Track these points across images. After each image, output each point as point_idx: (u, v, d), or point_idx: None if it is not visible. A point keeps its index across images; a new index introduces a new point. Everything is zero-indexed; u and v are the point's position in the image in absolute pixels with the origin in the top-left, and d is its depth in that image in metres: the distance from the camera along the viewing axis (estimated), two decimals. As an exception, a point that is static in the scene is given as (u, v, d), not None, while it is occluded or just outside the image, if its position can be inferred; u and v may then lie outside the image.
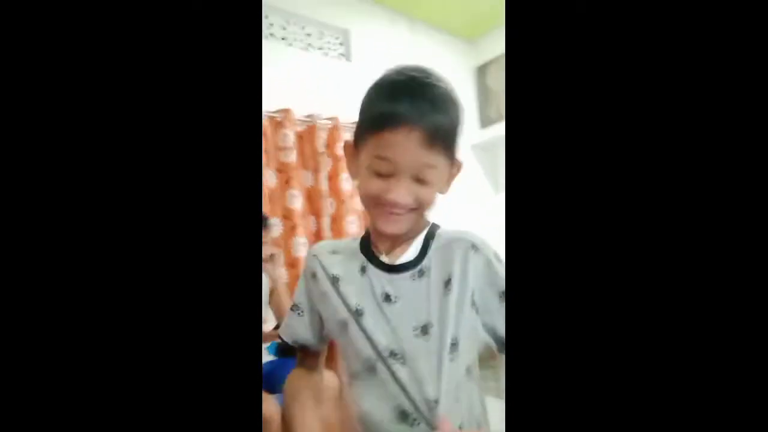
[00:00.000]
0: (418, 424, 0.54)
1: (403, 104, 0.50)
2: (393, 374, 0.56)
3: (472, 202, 3.12)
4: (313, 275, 0.65)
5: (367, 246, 0.63)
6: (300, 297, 0.68)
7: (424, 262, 0.59)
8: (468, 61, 3.45)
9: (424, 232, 0.61)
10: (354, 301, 0.59)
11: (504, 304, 0.56)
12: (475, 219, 3.07)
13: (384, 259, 0.60)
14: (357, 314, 0.59)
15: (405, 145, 0.50)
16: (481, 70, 3.41)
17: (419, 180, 0.52)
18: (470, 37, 3.44)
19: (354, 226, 2.42)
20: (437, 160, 0.52)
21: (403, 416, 0.55)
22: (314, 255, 0.67)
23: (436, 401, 0.54)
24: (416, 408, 0.55)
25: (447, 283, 0.57)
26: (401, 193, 0.52)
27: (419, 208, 0.55)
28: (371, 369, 0.58)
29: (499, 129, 3.17)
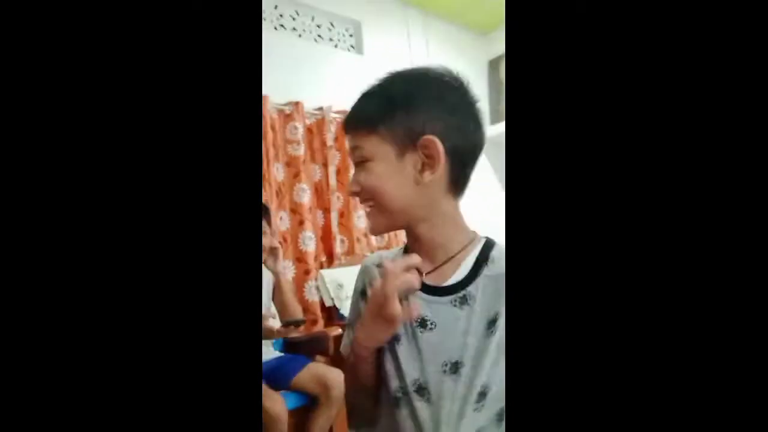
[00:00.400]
0: None
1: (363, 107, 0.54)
2: (414, 412, 0.51)
3: (479, 198, 3.09)
4: (363, 292, 0.61)
5: None
6: (351, 316, 0.64)
7: (470, 288, 0.52)
8: (480, 56, 3.40)
9: (476, 251, 0.55)
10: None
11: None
12: (482, 216, 3.04)
13: (424, 279, 0.52)
14: (394, 339, 0.53)
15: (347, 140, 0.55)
16: (494, 65, 3.36)
17: (358, 165, 0.53)
18: (483, 30, 3.39)
19: (362, 221, 2.41)
20: (358, 140, 0.52)
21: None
22: (363, 269, 0.63)
23: None
24: None
25: (492, 321, 0.50)
26: (350, 181, 0.54)
27: (374, 200, 0.52)
28: (396, 403, 0.53)
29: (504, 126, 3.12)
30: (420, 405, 0.51)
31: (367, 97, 0.53)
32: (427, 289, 0.53)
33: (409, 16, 2.93)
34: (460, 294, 0.52)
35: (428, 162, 0.50)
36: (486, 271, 0.53)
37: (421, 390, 0.51)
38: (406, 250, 0.59)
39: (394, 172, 0.51)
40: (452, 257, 0.54)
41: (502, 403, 0.50)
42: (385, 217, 0.52)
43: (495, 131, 3.22)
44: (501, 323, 0.50)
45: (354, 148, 0.52)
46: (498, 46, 3.35)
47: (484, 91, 3.37)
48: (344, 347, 0.63)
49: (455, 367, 0.50)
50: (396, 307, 0.46)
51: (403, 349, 0.53)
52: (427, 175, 0.50)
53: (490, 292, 0.51)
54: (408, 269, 0.47)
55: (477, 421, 0.49)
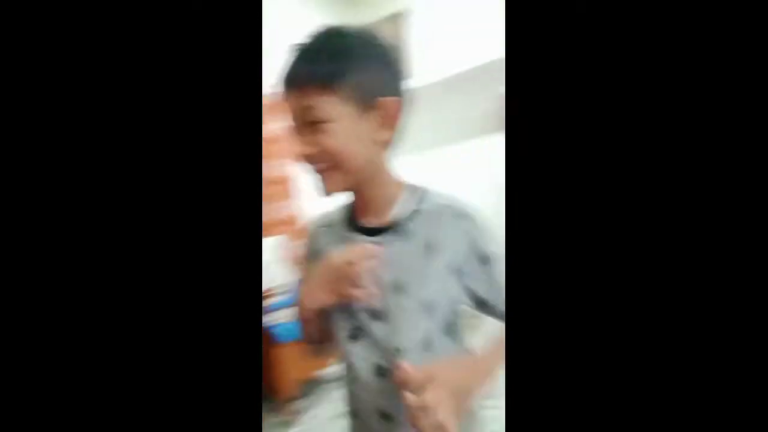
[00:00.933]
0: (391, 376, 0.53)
1: (286, 63, 0.52)
2: (372, 333, 0.56)
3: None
4: (312, 255, 0.65)
5: (350, 214, 0.62)
6: (301, 280, 0.67)
7: (408, 224, 0.56)
8: (344, 22, 3.39)
9: (405, 194, 0.58)
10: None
11: (486, 268, 0.56)
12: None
13: (364, 222, 0.59)
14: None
15: (287, 99, 0.51)
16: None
17: (311, 126, 0.50)
18: (346, -4, 3.39)
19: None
20: (312, 99, 0.49)
21: (380, 371, 0.55)
22: (311, 233, 0.66)
23: (398, 350, 0.54)
24: (389, 362, 0.55)
25: (429, 246, 0.55)
26: (298, 143, 0.52)
27: (334, 161, 0.51)
28: (356, 333, 0.58)
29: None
30: (377, 325, 0.56)
31: (311, 53, 0.50)
32: (369, 231, 0.58)
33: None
34: (398, 230, 0.57)
35: (386, 121, 0.52)
36: (422, 207, 0.57)
37: (376, 315, 0.56)
38: (347, 208, 0.63)
39: (355, 132, 0.50)
40: (388, 204, 0.58)
41: (450, 317, 0.56)
42: (343, 177, 0.52)
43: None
44: (437, 246, 0.54)
45: (306, 108, 0.49)
46: (361, 15, 3.39)
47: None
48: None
49: (402, 287, 0.55)
50: (356, 291, 0.53)
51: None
52: (386, 134, 0.53)
53: (426, 224, 0.56)
54: (371, 256, 0.52)
55: (427, 329, 0.55)
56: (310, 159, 0.52)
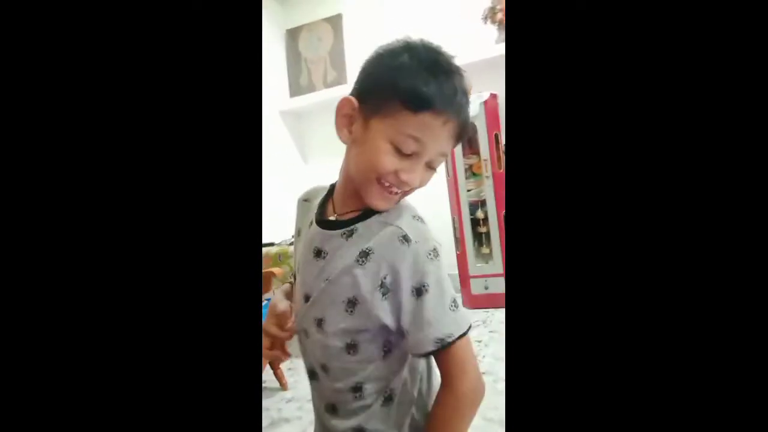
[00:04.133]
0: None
1: (443, 90, 0.51)
2: (306, 331, 0.61)
3: (280, 170, 3.05)
4: (298, 232, 0.69)
5: (327, 199, 0.64)
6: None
7: (358, 226, 0.57)
8: (278, 23, 3.28)
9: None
10: (299, 258, 0.63)
11: (416, 300, 0.53)
12: (283, 187, 3.03)
13: (332, 217, 0.61)
14: (298, 271, 0.62)
15: (439, 134, 0.51)
16: (292, 34, 3.30)
17: (430, 166, 0.55)
18: (281, -4, 3.28)
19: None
20: (450, 151, 0.56)
21: (311, 374, 0.63)
22: (297, 204, 0.71)
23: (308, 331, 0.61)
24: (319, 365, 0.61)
25: (363, 253, 0.55)
26: (416, 176, 0.53)
27: (409, 192, 0.57)
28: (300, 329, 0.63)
29: (309, 98, 3.16)
30: (312, 311, 0.60)
31: (465, 106, 0.54)
32: (326, 225, 0.61)
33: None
34: (349, 229, 0.58)
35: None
36: (377, 218, 0.58)
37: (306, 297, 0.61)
38: (328, 194, 0.66)
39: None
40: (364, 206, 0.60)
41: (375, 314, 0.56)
42: (395, 202, 0.58)
43: (294, 104, 3.20)
44: (370, 256, 0.55)
45: (444, 155, 0.55)
46: (297, 15, 3.29)
47: (282, 62, 3.29)
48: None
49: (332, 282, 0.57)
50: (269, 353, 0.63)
51: (302, 277, 0.62)
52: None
53: (370, 231, 0.56)
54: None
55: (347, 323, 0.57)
56: (404, 185, 0.54)
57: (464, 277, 2.63)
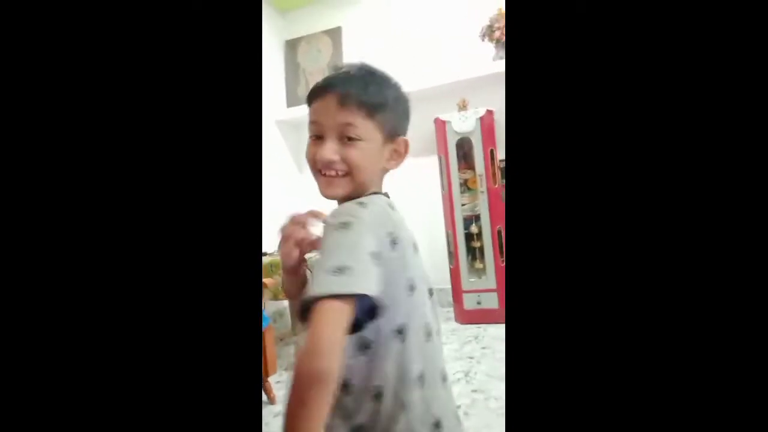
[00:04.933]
0: None
1: (330, 80, 0.60)
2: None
3: (275, 178, 3.04)
4: None
5: None
6: None
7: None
8: (278, 33, 3.31)
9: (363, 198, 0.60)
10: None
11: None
12: (279, 195, 3.01)
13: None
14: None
15: (325, 108, 0.59)
16: (291, 45, 3.32)
17: (344, 139, 0.59)
18: (281, 8, 3.31)
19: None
20: (355, 119, 0.58)
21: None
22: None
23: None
24: None
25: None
26: (327, 149, 0.59)
27: (350, 170, 0.59)
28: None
29: (306, 108, 3.15)
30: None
31: (362, 83, 0.60)
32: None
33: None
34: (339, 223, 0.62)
35: (396, 155, 0.65)
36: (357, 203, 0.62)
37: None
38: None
39: (375, 155, 0.61)
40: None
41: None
42: (347, 186, 0.61)
43: (291, 114, 3.21)
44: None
45: (347, 125, 0.59)
46: (296, 26, 3.32)
47: (281, 72, 3.30)
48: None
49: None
50: (285, 250, 0.61)
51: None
52: (393, 164, 0.65)
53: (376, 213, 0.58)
54: (311, 219, 0.60)
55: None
56: (328, 164, 0.60)
57: (457, 292, 2.62)
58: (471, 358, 2.05)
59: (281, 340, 2.58)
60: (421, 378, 0.56)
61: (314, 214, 0.62)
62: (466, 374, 1.88)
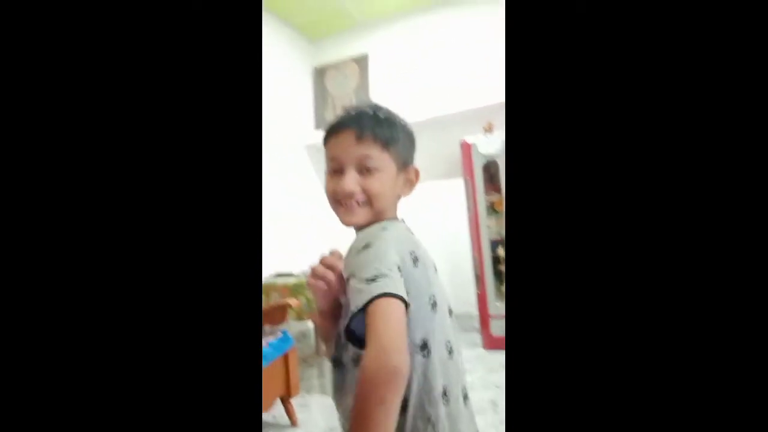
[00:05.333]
0: None
1: (345, 118, 0.66)
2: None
3: (303, 199, 3.09)
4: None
5: None
6: None
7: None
8: (307, 60, 3.43)
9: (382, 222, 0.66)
10: None
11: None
12: (308, 216, 3.06)
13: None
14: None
15: (343, 143, 0.64)
16: (320, 72, 3.43)
17: (363, 171, 0.64)
18: (312, 37, 3.44)
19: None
20: (371, 151, 0.63)
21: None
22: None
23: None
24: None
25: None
26: (348, 182, 0.63)
27: (370, 200, 0.64)
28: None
29: (334, 133, 3.23)
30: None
31: (376, 120, 0.66)
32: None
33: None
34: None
35: (408, 183, 0.70)
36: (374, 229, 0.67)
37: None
38: None
39: (392, 184, 0.66)
40: None
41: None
42: (370, 214, 0.65)
43: (318, 138, 3.28)
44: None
45: (365, 157, 0.63)
46: (324, 55, 3.44)
47: (310, 96, 3.40)
48: None
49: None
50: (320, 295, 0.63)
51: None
52: (407, 191, 0.70)
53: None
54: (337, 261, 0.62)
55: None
56: (350, 194, 0.63)
57: (484, 318, 2.55)
58: (498, 387, 1.98)
59: (305, 361, 2.57)
60: (445, 394, 0.56)
61: (338, 255, 0.64)
62: (494, 404, 1.81)
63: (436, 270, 0.64)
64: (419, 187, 0.71)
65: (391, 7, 3.14)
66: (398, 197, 0.69)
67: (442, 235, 3.00)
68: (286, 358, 1.85)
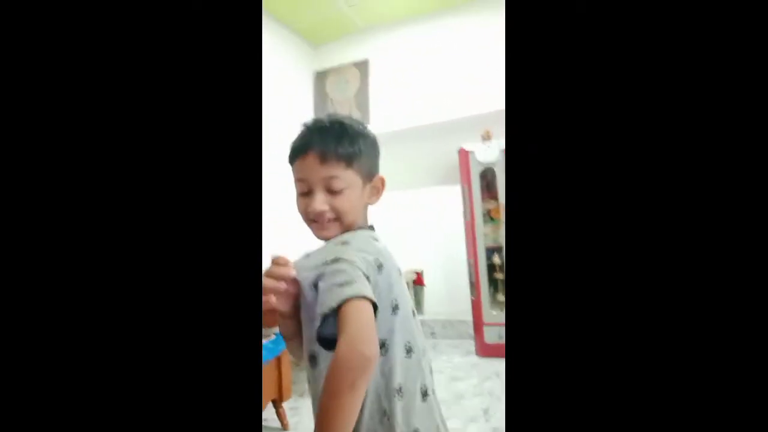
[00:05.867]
0: None
1: (308, 138, 0.67)
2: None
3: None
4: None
5: None
6: None
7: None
8: (308, 65, 3.44)
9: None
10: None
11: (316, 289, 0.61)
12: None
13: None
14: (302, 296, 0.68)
15: (309, 166, 0.66)
16: (320, 77, 3.45)
17: (331, 191, 0.66)
18: (314, 41, 3.45)
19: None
20: (336, 171, 0.65)
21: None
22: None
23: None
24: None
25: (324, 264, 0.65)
26: (317, 202, 0.66)
27: (339, 216, 0.67)
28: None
29: (333, 137, 3.24)
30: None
31: (336, 137, 0.66)
32: None
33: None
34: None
35: (375, 191, 0.72)
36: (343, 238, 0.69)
37: None
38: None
39: (359, 198, 0.68)
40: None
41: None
42: (340, 228, 0.68)
43: (317, 141, 3.29)
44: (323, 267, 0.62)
45: (330, 178, 0.65)
46: (327, 59, 3.45)
47: (310, 101, 3.42)
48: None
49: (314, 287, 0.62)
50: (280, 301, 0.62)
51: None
52: (374, 200, 0.73)
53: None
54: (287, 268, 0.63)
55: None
56: (320, 214, 0.66)
57: (478, 325, 2.55)
58: (491, 394, 1.97)
59: (297, 365, 2.56)
60: (400, 390, 0.62)
61: (281, 261, 0.64)
62: (486, 412, 1.81)
63: (400, 273, 0.68)
64: (417, 192, 0.72)
65: (393, 13, 3.17)
66: (366, 206, 0.72)
67: (438, 241, 3.00)
68: (278, 360, 1.84)
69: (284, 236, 2.89)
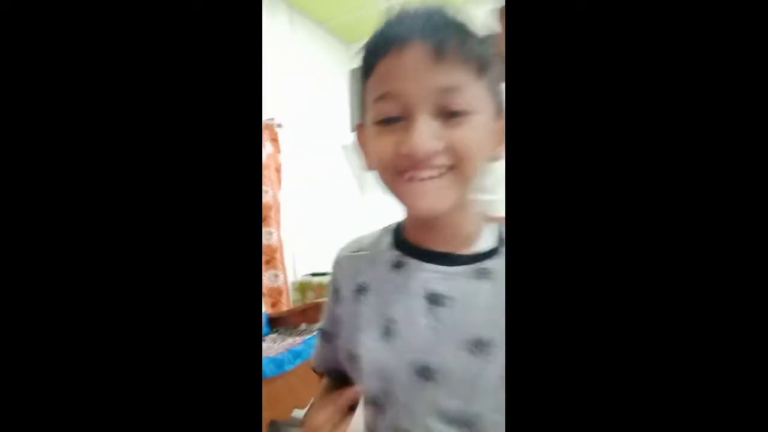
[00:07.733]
0: None
1: (403, 26, 0.38)
2: (423, 395, 0.41)
3: (338, 202, 3.14)
4: (336, 291, 0.51)
5: (401, 237, 0.47)
6: (326, 323, 0.54)
7: (495, 258, 0.42)
8: (344, 62, 3.47)
9: (485, 226, 0.45)
10: (388, 311, 0.43)
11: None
12: (341, 218, 3.09)
13: (430, 245, 0.44)
14: (390, 322, 0.43)
15: (409, 67, 0.36)
16: (355, 74, 3.46)
17: (446, 113, 0.37)
18: (348, 39, 3.47)
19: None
20: (461, 78, 0.37)
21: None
22: (336, 262, 0.53)
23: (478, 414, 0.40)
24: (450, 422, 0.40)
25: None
26: (421, 135, 0.36)
27: (458, 163, 0.38)
28: (390, 392, 0.42)
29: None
30: (429, 386, 0.41)
31: (464, 31, 0.38)
32: (440, 258, 0.43)
33: (275, 9, 2.82)
34: (482, 265, 0.42)
35: (501, 138, 0.41)
36: (496, 244, 0.44)
37: (428, 373, 0.40)
38: (396, 230, 0.49)
39: (488, 136, 0.39)
40: (468, 232, 0.44)
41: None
42: (459, 191, 0.39)
43: (354, 139, 3.31)
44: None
45: (450, 90, 0.37)
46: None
47: (346, 99, 3.44)
48: (315, 360, 0.58)
49: (481, 345, 0.39)
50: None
51: (405, 330, 0.42)
52: (500, 152, 0.41)
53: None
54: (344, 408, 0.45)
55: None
56: (427, 158, 0.37)
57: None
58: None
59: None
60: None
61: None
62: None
63: None
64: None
65: (427, 7, 3.12)
66: (490, 161, 0.42)
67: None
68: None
69: (320, 236, 2.93)
